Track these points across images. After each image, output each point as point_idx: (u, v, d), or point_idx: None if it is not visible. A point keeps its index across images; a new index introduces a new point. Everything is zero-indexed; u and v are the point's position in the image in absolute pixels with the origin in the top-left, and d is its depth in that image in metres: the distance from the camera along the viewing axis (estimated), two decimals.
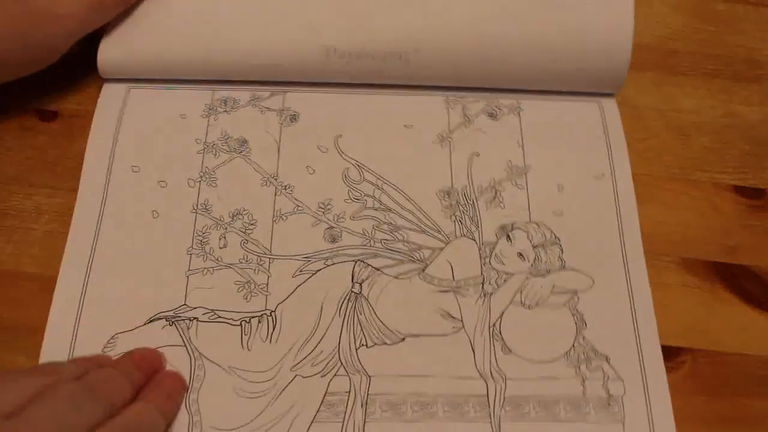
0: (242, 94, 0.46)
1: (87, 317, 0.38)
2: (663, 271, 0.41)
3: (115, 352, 0.37)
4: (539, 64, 0.44)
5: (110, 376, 0.33)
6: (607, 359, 0.39)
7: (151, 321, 0.39)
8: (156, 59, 0.44)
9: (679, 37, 0.50)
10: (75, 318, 0.38)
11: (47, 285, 0.39)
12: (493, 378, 0.38)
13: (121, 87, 0.45)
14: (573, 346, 0.39)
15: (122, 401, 0.33)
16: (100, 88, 0.45)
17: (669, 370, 0.38)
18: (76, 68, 0.46)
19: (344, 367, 0.38)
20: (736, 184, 0.45)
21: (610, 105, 0.46)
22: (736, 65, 0.49)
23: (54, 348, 0.37)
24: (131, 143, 0.44)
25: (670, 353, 0.39)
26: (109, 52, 0.44)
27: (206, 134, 0.45)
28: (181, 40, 0.44)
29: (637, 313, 0.40)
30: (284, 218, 0.42)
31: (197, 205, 0.42)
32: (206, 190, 0.43)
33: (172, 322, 0.38)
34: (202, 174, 0.43)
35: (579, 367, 0.38)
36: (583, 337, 0.39)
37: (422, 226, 0.42)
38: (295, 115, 0.46)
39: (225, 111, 0.46)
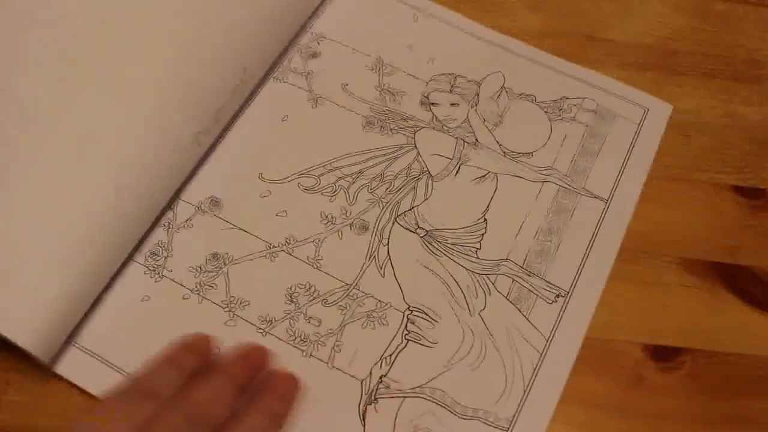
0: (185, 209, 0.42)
1: None
2: (663, 271, 0.41)
3: None
4: None
5: (215, 393, 0.31)
6: (565, 98, 0.47)
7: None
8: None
9: (679, 37, 0.50)
10: None
11: None
12: (546, 174, 0.44)
13: None
14: (545, 111, 0.47)
15: (226, 414, 0.30)
16: None
17: (669, 370, 0.39)
18: None
19: (489, 274, 0.41)
20: (736, 184, 0.44)
21: None
22: (736, 65, 0.49)
23: None
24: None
25: (670, 353, 0.39)
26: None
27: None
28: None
29: (542, 60, 0.48)
30: (321, 260, 0.41)
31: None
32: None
33: (378, 400, 0.37)
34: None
35: (564, 117, 0.46)
36: (540, 103, 0.47)
37: (388, 155, 0.44)
38: (215, 202, 0.42)
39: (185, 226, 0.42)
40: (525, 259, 0.41)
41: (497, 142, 0.44)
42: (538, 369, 0.38)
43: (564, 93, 0.46)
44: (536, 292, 0.40)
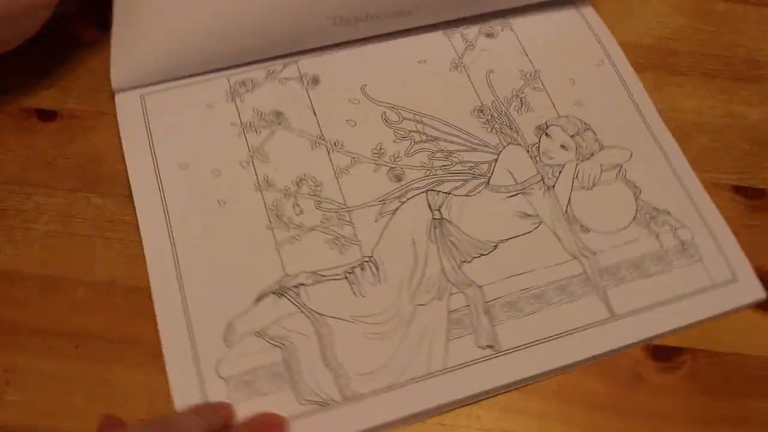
0: (257, 72, 0.47)
1: (196, 317, 0.39)
2: None
3: (237, 338, 0.38)
4: None
5: None
6: (668, 213, 0.43)
7: (259, 299, 0.40)
8: (168, 61, 0.45)
9: (679, 37, 0.50)
10: (185, 322, 0.39)
11: (47, 285, 0.39)
12: (583, 255, 0.41)
13: (135, 93, 0.45)
14: (637, 209, 0.43)
15: None
16: (99, 87, 0.45)
17: (669, 370, 0.39)
18: (76, 68, 0.46)
19: (455, 286, 0.40)
20: (736, 184, 0.45)
21: (585, 6, 0.51)
22: (736, 65, 0.49)
23: (176, 356, 0.38)
24: (168, 144, 0.44)
25: (670, 353, 0.39)
26: (121, 67, 0.45)
27: (239, 116, 0.46)
28: (189, 35, 0.45)
29: (676, 168, 0.44)
30: (346, 172, 0.44)
31: (258, 183, 0.44)
32: (261, 166, 0.44)
33: (281, 294, 0.40)
34: (251, 153, 0.45)
35: (649, 226, 0.42)
36: (642, 200, 0.44)
37: (471, 144, 0.45)
38: (315, 77, 0.48)
39: (248, 91, 0.47)
40: (495, 300, 0.40)
41: (568, 202, 0.43)
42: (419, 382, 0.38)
43: (670, 206, 0.43)
44: (473, 330, 0.39)
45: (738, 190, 0.45)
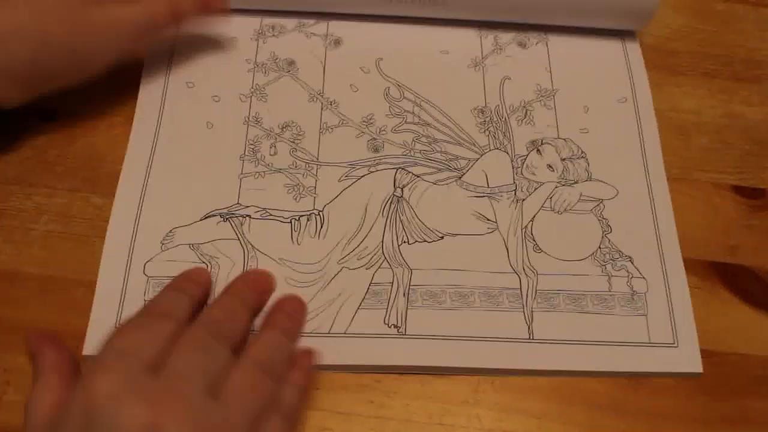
0: (289, 21, 0.49)
1: (146, 216, 0.41)
2: None
3: (173, 245, 0.41)
4: (569, 2, 0.47)
5: (229, 311, 0.34)
6: (631, 260, 0.42)
7: (206, 217, 0.42)
8: None
9: (679, 37, 0.50)
10: (135, 217, 0.41)
11: (47, 285, 0.39)
12: (525, 273, 0.41)
13: None
14: (599, 247, 0.42)
15: (245, 332, 0.34)
16: (100, 87, 0.45)
17: None
18: None
19: (387, 261, 0.41)
20: (736, 184, 0.45)
21: (632, 42, 0.49)
22: (735, 65, 0.49)
23: (117, 242, 0.40)
24: (185, 62, 0.47)
25: None
26: None
27: (256, 55, 0.48)
28: None
29: (659, 221, 0.43)
30: (330, 130, 0.45)
31: (249, 118, 0.46)
32: (257, 104, 0.46)
33: (227, 219, 0.42)
34: (252, 90, 0.47)
35: (605, 266, 0.41)
36: (609, 240, 0.42)
37: (458, 138, 0.45)
38: (338, 39, 0.49)
39: (273, 35, 0.49)
40: (419, 286, 0.40)
41: (532, 219, 0.43)
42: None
43: (635, 254, 0.42)
44: (387, 306, 0.40)
45: (738, 190, 0.45)
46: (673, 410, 0.38)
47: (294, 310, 0.38)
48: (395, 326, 0.39)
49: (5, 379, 0.37)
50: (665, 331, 0.40)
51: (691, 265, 0.42)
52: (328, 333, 0.39)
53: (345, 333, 0.39)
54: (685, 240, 0.43)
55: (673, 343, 0.39)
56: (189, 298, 0.35)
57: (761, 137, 0.47)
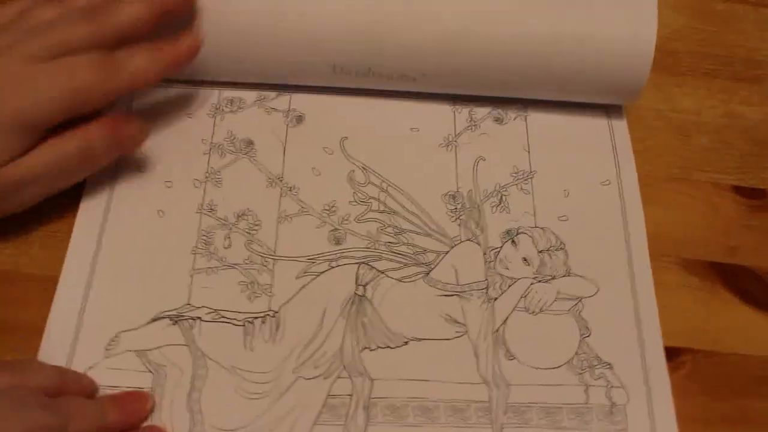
0: (249, 94, 0.46)
1: (90, 316, 0.38)
2: (663, 271, 0.42)
3: (118, 350, 0.38)
4: (552, 78, 0.44)
5: (81, 404, 0.33)
6: (611, 367, 0.39)
7: (154, 320, 0.39)
8: None
9: (679, 37, 0.50)
10: (77, 316, 0.38)
11: (47, 285, 0.39)
12: (495, 384, 0.38)
13: None
14: (576, 353, 0.39)
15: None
16: None
17: (669, 370, 0.39)
18: None
19: (347, 370, 0.38)
20: (736, 184, 0.45)
21: (619, 119, 0.46)
22: (735, 65, 0.49)
23: (54, 346, 0.37)
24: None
25: (670, 353, 0.39)
26: None
27: (212, 135, 0.45)
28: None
29: (642, 321, 0.40)
30: (289, 219, 0.42)
31: (203, 206, 0.43)
32: (211, 190, 0.43)
33: (176, 321, 0.39)
34: (207, 174, 0.44)
35: (582, 375, 0.38)
36: (587, 345, 0.39)
37: (427, 229, 0.42)
38: (301, 116, 0.46)
39: (231, 111, 0.46)
40: (380, 399, 0.37)
41: (504, 321, 0.40)
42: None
43: (616, 361, 0.39)
44: (344, 422, 0.37)
45: (738, 190, 0.45)
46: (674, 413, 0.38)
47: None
48: None
49: None
50: None
51: (691, 266, 0.42)
52: None
53: None
54: (685, 240, 0.43)
55: None
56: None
57: (761, 137, 0.47)
